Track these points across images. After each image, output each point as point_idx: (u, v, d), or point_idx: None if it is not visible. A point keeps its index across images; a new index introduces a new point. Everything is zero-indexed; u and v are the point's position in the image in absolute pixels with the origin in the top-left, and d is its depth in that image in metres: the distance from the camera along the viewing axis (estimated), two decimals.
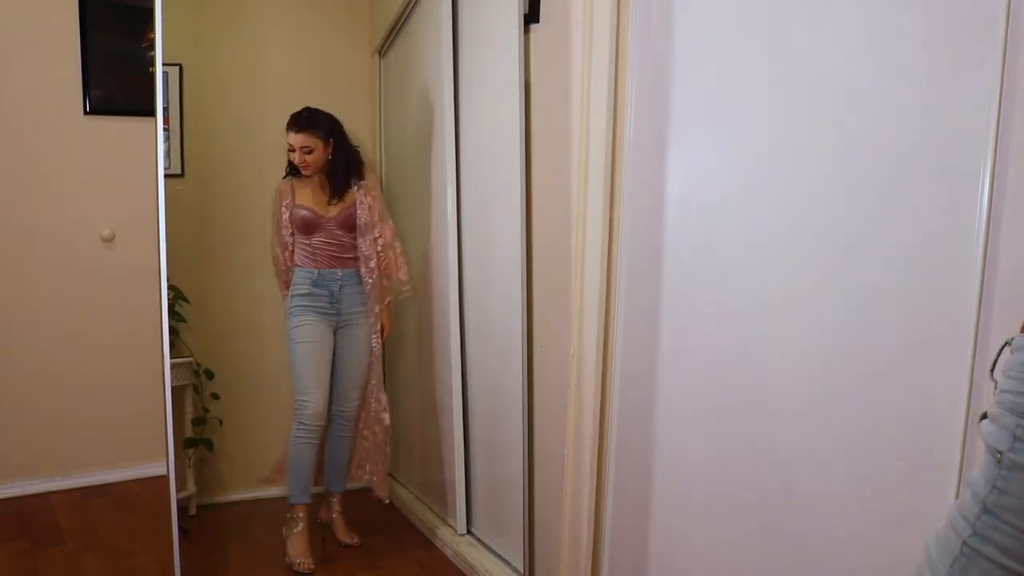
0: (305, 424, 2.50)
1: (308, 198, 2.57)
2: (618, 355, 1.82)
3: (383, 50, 3.14)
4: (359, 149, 2.67)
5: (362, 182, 2.62)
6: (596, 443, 1.86)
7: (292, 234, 2.58)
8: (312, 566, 2.43)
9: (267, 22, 3.08)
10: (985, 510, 0.69)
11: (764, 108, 1.41)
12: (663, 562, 1.73)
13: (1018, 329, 0.73)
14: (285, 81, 3.03)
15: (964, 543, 0.70)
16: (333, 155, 2.56)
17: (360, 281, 2.60)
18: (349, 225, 2.58)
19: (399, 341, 3.14)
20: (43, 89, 2.94)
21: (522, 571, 2.12)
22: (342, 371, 2.63)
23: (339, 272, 2.57)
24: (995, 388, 0.73)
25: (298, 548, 2.47)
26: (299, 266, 2.58)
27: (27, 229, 2.96)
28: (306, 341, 2.53)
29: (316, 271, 2.55)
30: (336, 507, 2.71)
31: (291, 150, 2.52)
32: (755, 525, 1.45)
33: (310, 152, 2.52)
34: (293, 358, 2.55)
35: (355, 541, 2.64)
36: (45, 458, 3.01)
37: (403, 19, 2.86)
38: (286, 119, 2.57)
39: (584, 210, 1.83)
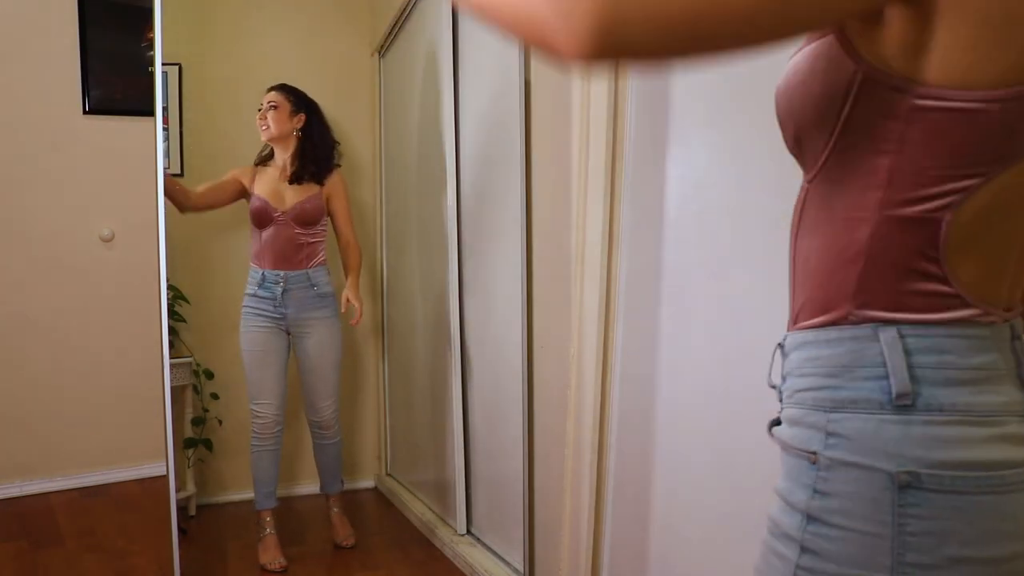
0: (259, 433, 2.49)
1: (266, 189, 2.49)
2: (618, 355, 1.82)
3: (383, 50, 3.14)
4: (338, 144, 2.64)
5: (329, 178, 2.56)
6: (596, 443, 1.86)
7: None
8: (284, 564, 2.42)
9: (267, 22, 3.08)
10: (809, 519, 0.61)
11: (765, 108, 1.41)
12: (663, 562, 1.73)
13: None
14: (285, 81, 3.02)
15: (797, 567, 0.61)
16: (303, 132, 2.51)
17: (312, 284, 2.49)
18: (304, 220, 2.48)
19: (399, 340, 3.15)
20: (42, 88, 2.94)
21: (522, 571, 2.12)
22: (306, 380, 2.56)
23: (283, 274, 2.46)
24: (780, 394, 0.69)
25: (268, 552, 2.46)
26: (251, 264, 2.52)
27: (26, 229, 2.95)
28: (253, 349, 2.47)
29: (260, 271, 2.47)
30: (333, 507, 2.71)
31: (259, 109, 2.49)
32: (756, 525, 1.45)
33: (275, 107, 2.46)
34: (244, 364, 2.50)
35: (348, 543, 2.62)
36: (44, 458, 3.01)
37: (403, 19, 2.86)
38: None
39: (584, 210, 1.82)
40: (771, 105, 1.46)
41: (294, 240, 2.47)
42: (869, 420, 0.59)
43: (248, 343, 2.49)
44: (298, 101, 2.52)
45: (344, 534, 2.64)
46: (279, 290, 2.47)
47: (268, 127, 2.48)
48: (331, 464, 2.68)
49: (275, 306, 2.48)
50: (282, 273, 2.47)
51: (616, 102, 1.76)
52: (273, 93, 2.51)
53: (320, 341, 2.53)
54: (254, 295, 2.49)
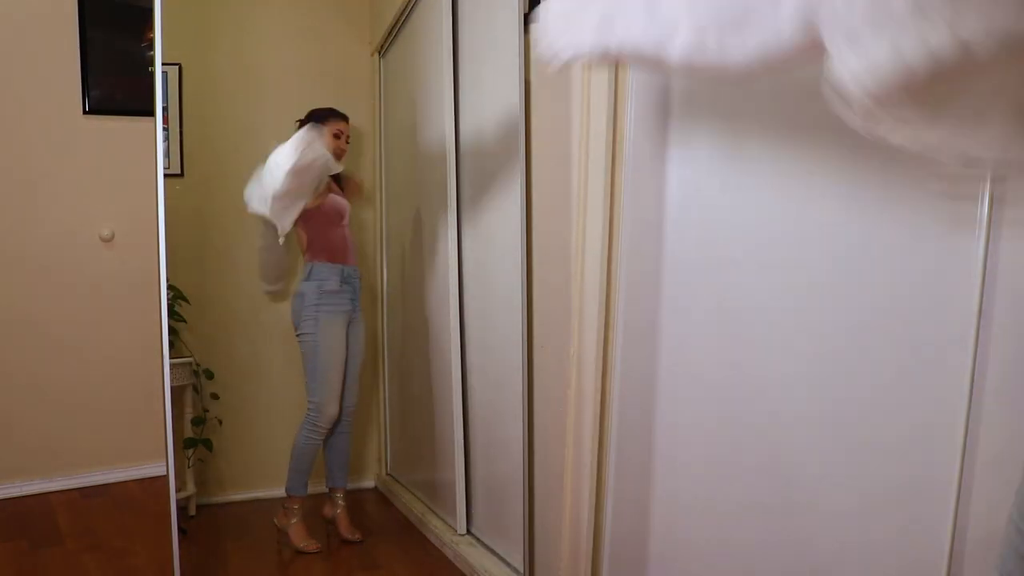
0: (320, 427, 2.56)
1: (328, 197, 2.61)
2: (618, 355, 1.81)
3: (383, 50, 3.14)
4: None
5: (350, 178, 2.75)
6: (596, 443, 1.85)
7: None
8: (319, 546, 2.55)
9: (267, 22, 3.08)
10: None
11: (764, 108, 1.41)
12: (663, 562, 1.73)
13: None
14: (285, 81, 3.03)
15: None
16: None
17: (359, 277, 2.66)
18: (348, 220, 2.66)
19: (399, 340, 3.14)
20: (42, 88, 2.94)
21: (522, 571, 2.12)
22: (347, 369, 2.66)
23: (356, 269, 2.63)
24: None
25: (301, 535, 2.57)
26: (323, 260, 2.53)
27: (26, 229, 2.95)
28: (335, 345, 2.51)
29: (340, 267, 2.55)
30: (340, 503, 2.72)
31: (337, 136, 2.60)
32: (755, 525, 1.45)
33: (348, 138, 2.67)
34: (317, 363, 2.50)
35: (357, 537, 2.64)
36: (44, 458, 3.01)
37: (403, 19, 2.86)
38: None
39: (584, 210, 1.82)
40: (771, 105, 1.47)
41: (350, 238, 2.63)
42: None
43: (330, 339, 2.50)
44: None
45: (350, 528, 2.67)
46: (358, 284, 2.62)
47: (343, 155, 2.65)
48: (342, 457, 2.72)
49: (351, 299, 2.59)
50: (356, 268, 2.62)
51: (616, 102, 1.76)
52: (348, 126, 2.66)
53: (361, 331, 2.69)
54: (335, 291, 2.50)
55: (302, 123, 2.56)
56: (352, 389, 2.68)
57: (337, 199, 2.60)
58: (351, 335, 2.63)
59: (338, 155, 2.58)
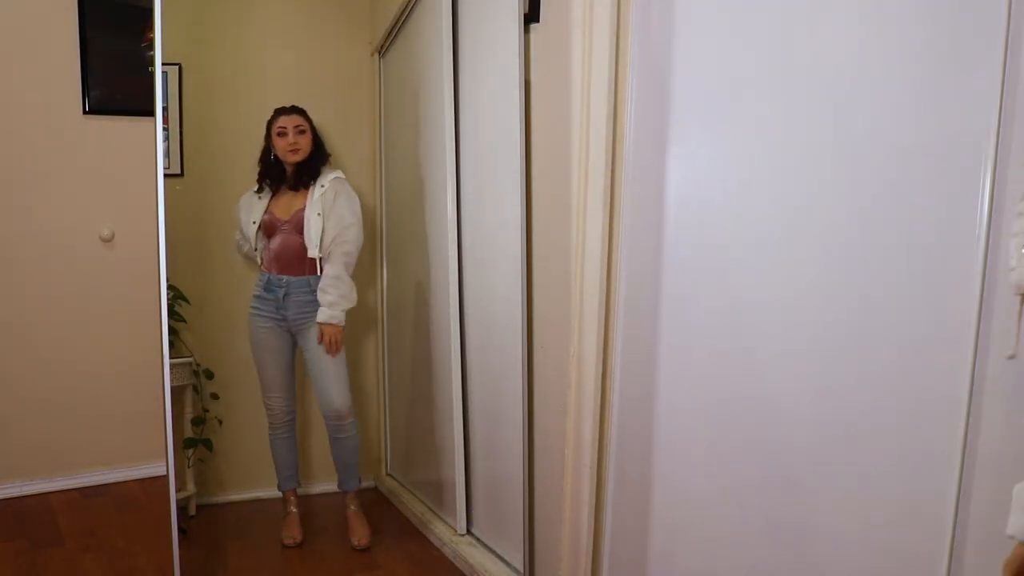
0: (272, 424, 2.66)
1: (275, 202, 2.60)
2: (618, 355, 1.82)
3: (383, 50, 3.14)
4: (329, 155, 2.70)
5: (331, 176, 2.59)
6: (596, 443, 1.86)
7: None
8: (296, 540, 2.60)
9: (267, 21, 3.08)
10: None
11: (764, 107, 1.41)
12: (663, 561, 1.73)
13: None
14: (285, 81, 3.03)
15: None
16: (313, 146, 2.60)
17: (312, 289, 2.54)
18: (301, 228, 2.55)
19: (399, 340, 3.14)
20: (42, 88, 2.94)
21: (522, 571, 2.12)
22: (314, 378, 2.61)
23: (285, 279, 2.54)
24: None
25: (287, 528, 2.65)
26: (261, 268, 2.64)
27: (26, 229, 2.95)
28: (259, 347, 2.61)
29: (267, 275, 2.58)
30: (350, 505, 2.71)
31: (281, 134, 2.53)
32: (756, 525, 1.45)
33: (303, 132, 2.55)
34: (254, 361, 2.65)
35: (360, 543, 2.60)
36: (44, 458, 3.01)
37: (403, 19, 2.86)
38: None
39: (584, 210, 1.82)
40: (771, 105, 1.47)
41: (296, 247, 2.54)
42: None
43: (254, 341, 2.62)
44: (308, 118, 2.60)
45: (360, 534, 2.62)
46: (281, 293, 2.56)
47: (299, 150, 2.55)
48: (347, 460, 2.68)
49: (276, 308, 2.57)
50: (285, 278, 2.55)
51: (616, 102, 1.76)
52: (297, 117, 2.57)
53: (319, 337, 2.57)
54: (259, 296, 2.60)
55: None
56: (329, 395, 2.57)
57: (268, 213, 2.57)
58: (304, 343, 2.58)
59: (292, 150, 2.52)
